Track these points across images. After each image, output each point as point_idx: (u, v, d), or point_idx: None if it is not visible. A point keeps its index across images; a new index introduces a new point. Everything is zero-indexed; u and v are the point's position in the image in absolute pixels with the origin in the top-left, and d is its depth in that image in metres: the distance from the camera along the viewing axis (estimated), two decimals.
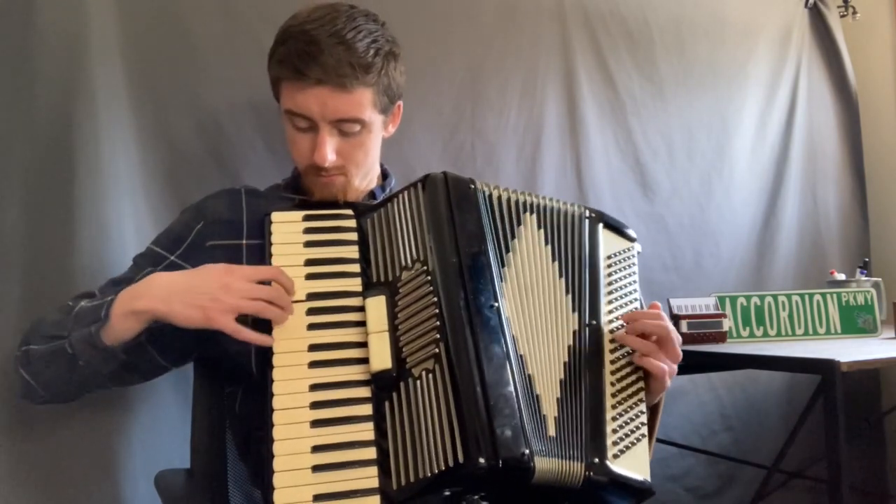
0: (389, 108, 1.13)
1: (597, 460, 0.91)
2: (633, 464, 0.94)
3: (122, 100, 1.31)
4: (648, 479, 0.95)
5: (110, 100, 1.28)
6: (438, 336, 0.90)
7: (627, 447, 0.95)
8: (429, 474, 0.84)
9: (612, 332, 1.02)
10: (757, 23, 2.19)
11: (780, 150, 2.23)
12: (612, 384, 0.98)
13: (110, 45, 1.30)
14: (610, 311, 1.04)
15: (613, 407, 0.97)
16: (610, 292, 1.06)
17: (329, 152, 1.06)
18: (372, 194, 1.20)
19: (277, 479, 0.85)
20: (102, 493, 1.20)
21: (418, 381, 0.89)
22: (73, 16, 1.25)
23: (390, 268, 0.98)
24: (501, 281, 0.97)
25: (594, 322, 1.01)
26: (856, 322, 1.86)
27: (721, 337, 1.75)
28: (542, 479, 0.87)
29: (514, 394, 0.88)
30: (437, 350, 0.89)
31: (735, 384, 2.09)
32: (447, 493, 0.85)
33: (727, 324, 1.78)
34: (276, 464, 0.86)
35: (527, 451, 0.85)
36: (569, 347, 0.98)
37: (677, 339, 1.02)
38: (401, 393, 0.89)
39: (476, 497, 0.86)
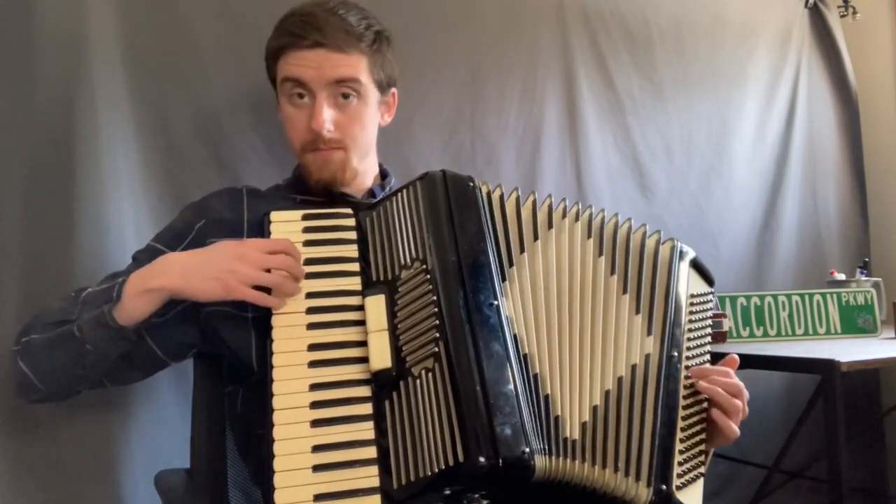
0: (386, 90, 1.16)
1: (664, 487, 0.91)
2: (690, 499, 0.94)
3: (122, 100, 1.31)
4: None
5: (110, 100, 1.29)
6: (438, 335, 0.89)
7: (688, 482, 0.95)
8: (429, 473, 0.84)
9: (686, 367, 1.01)
10: (757, 23, 2.19)
11: (780, 151, 2.22)
12: (683, 418, 0.98)
13: (110, 45, 1.30)
14: (686, 349, 1.03)
15: (682, 441, 0.96)
16: (690, 329, 1.05)
17: (326, 119, 1.08)
18: (371, 193, 1.19)
19: (278, 479, 0.85)
20: (102, 493, 1.20)
21: (418, 381, 0.89)
22: (73, 16, 1.25)
23: (390, 266, 0.98)
24: (505, 280, 0.96)
25: (676, 353, 1.00)
26: (856, 322, 1.86)
27: (721, 337, 1.75)
28: (540, 478, 0.87)
29: (514, 392, 0.88)
30: (436, 349, 0.89)
31: None
32: (448, 491, 0.85)
33: (727, 324, 1.78)
34: (277, 464, 0.86)
35: (527, 450, 0.85)
36: (633, 366, 0.97)
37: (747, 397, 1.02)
38: (401, 392, 0.89)
39: (477, 496, 0.86)
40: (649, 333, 1.00)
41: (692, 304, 1.07)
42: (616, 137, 1.94)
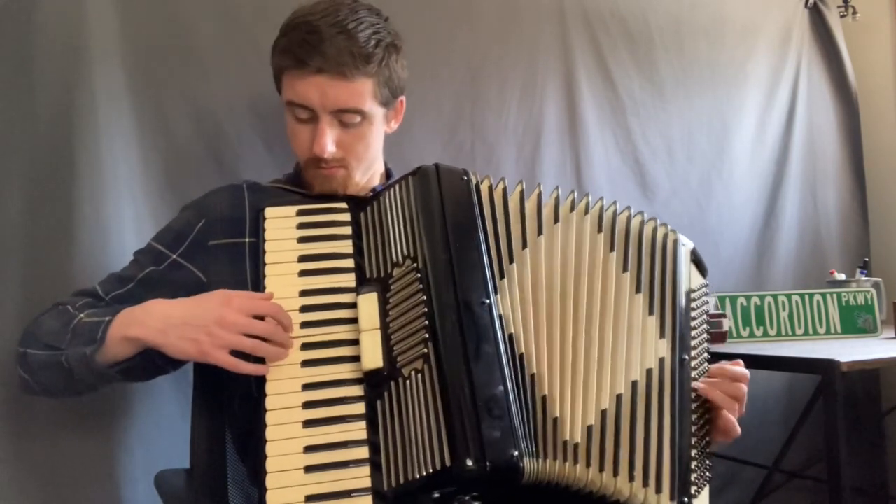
0: (391, 102, 1.13)
1: (686, 500, 0.89)
2: None
3: (122, 100, 1.31)
4: None
5: (110, 100, 1.29)
6: (427, 336, 0.88)
7: (700, 489, 0.93)
8: (418, 476, 0.83)
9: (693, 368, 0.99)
10: (757, 23, 2.19)
11: (780, 151, 2.22)
12: (693, 423, 0.95)
13: (110, 45, 1.30)
14: (693, 348, 1.01)
15: (692, 447, 0.93)
16: (693, 327, 1.02)
17: (328, 143, 1.06)
18: (374, 192, 1.19)
19: (270, 480, 0.85)
20: (102, 493, 1.20)
21: (408, 382, 0.88)
22: (73, 16, 1.25)
23: (383, 264, 0.97)
24: (503, 277, 0.94)
25: (686, 357, 0.97)
26: (856, 322, 1.85)
27: (721, 337, 1.75)
28: (532, 480, 0.86)
29: (504, 394, 0.86)
30: (425, 350, 0.88)
31: None
32: (436, 494, 0.84)
33: (727, 324, 1.77)
34: (269, 464, 0.86)
35: (515, 453, 0.84)
36: (648, 370, 0.94)
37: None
38: (392, 392, 0.88)
39: (468, 497, 0.84)
40: (662, 336, 0.97)
41: (693, 300, 1.04)
42: (616, 137, 1.94)
